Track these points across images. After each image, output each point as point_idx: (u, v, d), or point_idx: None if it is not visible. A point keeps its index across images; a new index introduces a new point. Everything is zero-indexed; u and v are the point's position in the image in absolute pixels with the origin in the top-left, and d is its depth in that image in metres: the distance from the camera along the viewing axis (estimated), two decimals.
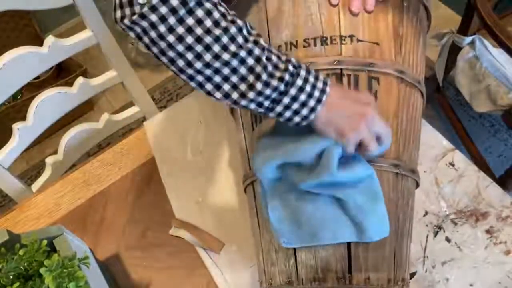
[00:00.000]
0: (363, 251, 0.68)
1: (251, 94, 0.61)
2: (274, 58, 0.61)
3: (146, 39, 0.58)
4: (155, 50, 0.59)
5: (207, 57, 0.58)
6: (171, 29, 0.56)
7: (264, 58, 0.60)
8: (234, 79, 0.60)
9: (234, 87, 0.61)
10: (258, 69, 0.59)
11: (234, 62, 0.59)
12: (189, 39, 0.56)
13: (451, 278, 0.79)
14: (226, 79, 0.60)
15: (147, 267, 0.86)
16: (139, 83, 1.20)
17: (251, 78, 0.60)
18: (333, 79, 0.71)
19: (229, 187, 0.93)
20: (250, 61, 0.59)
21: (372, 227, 0.67)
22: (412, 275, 0.80)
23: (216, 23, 0.57)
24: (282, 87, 0.61)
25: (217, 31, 0.57)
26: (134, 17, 0.55)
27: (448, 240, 0.83)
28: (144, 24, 0.56)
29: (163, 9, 0.54)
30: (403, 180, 0.73)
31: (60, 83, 1.83)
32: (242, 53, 0.59)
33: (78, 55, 1.09)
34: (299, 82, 0.62)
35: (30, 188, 1.12)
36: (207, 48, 0.57)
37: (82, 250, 0.73)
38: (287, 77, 0.61)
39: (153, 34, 0.56)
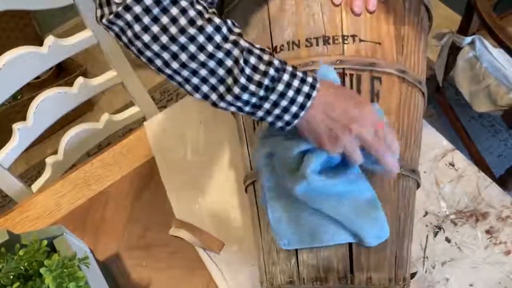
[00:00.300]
0: (365, 251, 0.68)
1: (229, 97, 0.59)
2: (254, 60, 0.59)
3: (124, 38, 0.58)
4: (133, 49, 0.58)
5: (183, 57, 0.57)
6: (146, 28, 0.55)
7: (241, 60, 0.58)
8: (213, 80, 0.59)
9: (213, 88, 0.59)
10: (236, 71, 0.58)
11: (211, 63, 0.58)
12: (164, 39, 0.56)
13: (451, 278, 0.79)
14: (204, 80, 0.59)
15: (147, 267, 0.86)
16: (139, 83, 1.20)
17: (229, 81, 0.58)
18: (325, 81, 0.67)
19: (229, 187, 0.93)
20: (229, 62, 0.58)
21: (369, 235, 0.66)
22: (413, 275, 0.80)
23: (192, 22, 0.56)
24: (261, 92, 0.59)
25: (192, 30, 0.56)
26: (111, 17, 0.55)
27: (448, 240, 0.83)
28: (120, 23, 0.56)
29: (137, 8, 0.54)
30: (404, 180, 0.73)
31: (60, 83, 1.83)
32: (219, 54, 0.57)
33: (78, 55, 1.09)
34: (280, 87, 0.59)
35: (30, 188, 1.12)
36: (183, 48, 0.57)
37: (82, 250, 0.73)
38: (266, 81, 0.59)
39: (129, 33, 0.56)
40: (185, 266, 0.85)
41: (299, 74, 0.61)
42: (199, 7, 0.57)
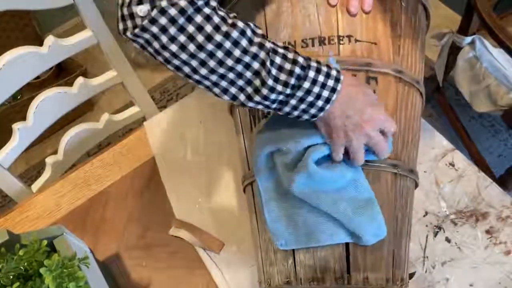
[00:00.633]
0: (362, 251, 0.68)
1: (257, 98, 0.60)
2: (279, 60, 0.60)
3: (150, 49, 0.58)
4: (160, 58, 0.59)
5: (211, 63, 0.58)
6: (173, 39, 0.56)
7: (268, 62, 0.59)
8: (241, 82, 0.60)
9: (241, 89, 0.60)
10: (263, 74, 0.59)
11: (239, 67, 0.58)
12: (191, 47, 0.56)
13: (451, 278, 0.80)
14: (232, 83, 0.60)
15: (147, 267, 0.86)
16: (139, 83, 1.20)
17: (257, 82, 0.59)
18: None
19: (229, 187, 0.93)
20: (256, 65, 0.59)
21: (367, 233, 0.66)
22: (411, 275, 0.80)
23: (217, 28, 0.56)
24: (288, 90, 0.60)
25: (219, 37, 0.56)
26: (136, 30, 0.55)
27: (448, 240, 0.83)
28: (146, 36, 0.56)
29: (163, 20, 0.54)
30: (402, 180, 0.73)
31: (60, 83, 1.83)
32: (246, 58, 0.58)
33: (78, 55, 1.09)
34: (307, 84, 0.61)
35: (30, 188, 1.12)
36: (211, 55, 0.57)
37: (82, 250, 0.73)
38: (293, 81, 0.60)
39: (156, 45, 0.56)
40: (185, 266, 0.85)
41: (324, 68, 0.62)
42: (221, 13, 0.57)
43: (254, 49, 0.58)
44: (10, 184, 1.06)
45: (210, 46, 0.56)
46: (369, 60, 0.72)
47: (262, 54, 0.59)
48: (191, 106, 1.05)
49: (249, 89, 0.60)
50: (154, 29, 0.55)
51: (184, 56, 0.57)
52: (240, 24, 0.58)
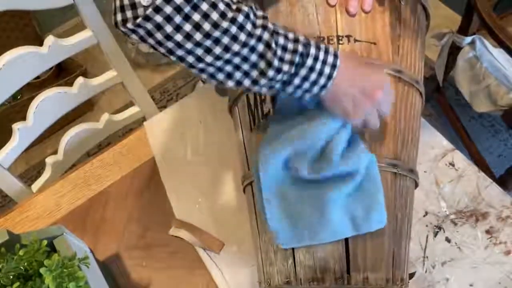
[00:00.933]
0: (361, 251, 0.68)
1: (262, 81, 0.60)
2: (282, 40, 0.59)
3: (151, 41, 0.56)
4: (162, 50, 0.57)
5: (217, 50, 0.56)
6: (178, 28, 0.54)
7: (273, 43, 0.58)
8: (246, 67, 0.59)
9: (246, 74, 0.60)
10: (269, 55, 0.58)
11: (245, 51, 0.57)
12: (198, 36, 0.55)
13: (451, 278, 0.80)
14: (237, 67, 0.59)
15: (147, 267, 0.86)
16: (139, 83, 1.20)
17: (262, 65, 0.59)
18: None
19: (229, 187, 0.93)
20: (260, 47, 0.58)
21: (372, 215, 0.67)
22: (411, 275, 0.80)
23: (223, 15, 0.55)
24: (293, 69, 0.60)
25: (225, 24, 0.55)
26: (138, 20, 0.53)
27: (448, 240, 0.83)
28: (149, 26, 0.54)
29: (168, 9, 0.52)
30: (402, 179, 0.73)
31: (60, 83, 1.83)
32: (252, 42, 0.57)
33: (78, 55, 1.09)
34: (309, 62, 0.61)
35: (30, 188, 1.12)
36: (216, 41, 0.56)
37: (82, 250, 0.73)
38: (297, 59, 0.60)
39: (158, 35, 0.54)
40: (185, 266, 0.85)
41: (322, 45, 0.62)
42: None
43: (258, 31, 0.58)
44: (10, 184, 1.06)
45: (216, 33, 0.55)
46: (369, 60, 0.72)
47: (266, 36, 0.58)
48: (191, 106, 1.05)
49: (254, 73, 0.59)
50: (158, 18, 0.53)
51: (189, 45, 0.55)
52: (244, 7, 0.57)
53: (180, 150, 0.99)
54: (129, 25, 0.54)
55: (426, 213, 0.86)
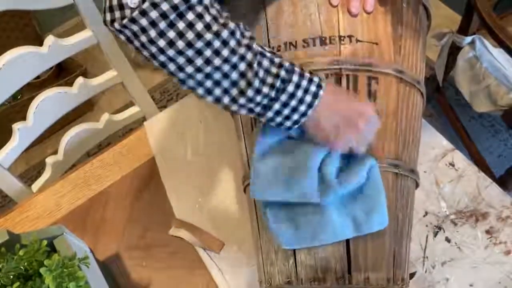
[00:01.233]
0: (362, 251, 0.68)
1: (242, 100, 0.61)
2: (266, 63, 0.60)
3: (136, 43, 0.57)
4: (146, 53, 0.58)
5: (199, 61, 0.57)
6: (162, 34, 0.55)
7: (255, 64, 0.59)
8: (226, 83, 0.60)
9: (225, 91, 0.60)
10: (250, 75, 0.59)
11: (226, 67, 0.58)
12: (180, 44, 0.55)
13: (451, 278, 0.79)
14: (217, 83, 0.60)
15: (147, 267, 0.86)
16: (139, 83, 1.20)
17: (242, 84, 0.59)
18: (331, 80, 0.71)
19: (229, 187, 0.93)
20: (242, 66, 0.59)
21: (374, 217, 0.67)
22: (411, 275, 0.80)
23: (208, 27, 0.56)
24: (273, 93, 0.61)
25: (208, 36, 0.56)
26: (124, 21, 0.54)
27: (448, 240, 0.83)
28: (135, 28, 0.55)
29: (154, 14, 0.53)
30: (403, 180, 0.73)
31: (60, 83, 1.83)
32: (234, 59, 0.58)
33: (78, 55, 1.09)
34: (291, 88, 0.61)
35: (30, 188, 1.12)
36: (199, 52, 0.56)
37: (82, 250, 0.73)
38: (278, 83, 0.60)
39: (143, 38, 0.55)
40: (185, 266, 0.85)
41: (307, 74, 0.63)
42: (213, 12, 0.57)
43: (242, 50, 0.58)
44: (10, 184, 1.06)
45: (199, 44, 0.56)
46: (370, 60, 0.72)
47: (249, 56, 0.59)
48: (191, 106, 1.05)
49: (234, 91, 0.60)
50: (144, 21, 0.54)
51: (171, 52, 0.56)
52: (231, 24, 0.58)
53: (180, 150, 0.99)
54: (116, 25, 0.55)
55: (426, 213, 0.86)
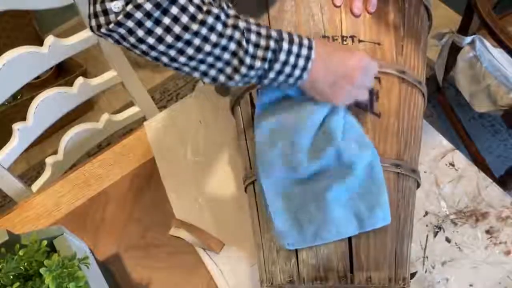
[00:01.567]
0: (365, 250, 0.68)
1: (237, 77, 0.62)
2: (254, 37, 0.61)
3: (126, 44, 0.58)
4: (137, 51, 0.59)
5: (189, 51, 0.58)
6: (149, 32, 0.56)
7: (244, 42, 0.60)
8: (219, 65, 0.61)
9: (220, 71, 0.62)
10: (241, 53, 0.60)
11: (217, 51, 0.59)
12: (169, 38, 0.57)
13: (451, 278, 0.79)
14: (211, 66, 0.61)
15: (147, 267, 0.86)
16: (139, 83, 1.20)
17: (235, 62, 0.61)
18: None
19: (229, 187, 0.93)
20: (232, 46, 0.60)
21: (377, 212, 0.67)
22: (412, 275, 0.80)
23: (193, 18, 0.57)
24: (266, 65, 0.62)
25: (195, 26, 0.57)
26: (111, 26, 0.55)
27: (448, 240, 0.83)
28: (122, 31, 0.56)
29: (138, 15, 0.54)
30: (404, 180, 0.73)
31: (60, 83, 1.83)
32: (223, 41, 0.59)
33: (78, 55, 1.09)
34: (282, 56, 0.62)
35: (30, 188, 1.12)
36: (188, 43, 0.58)
37: (82, 250, 0.73)
38: (269, 55, 0.62)
39: (132, 39, 0.56)
40: (185, 266, 0.85)
41: (296, 39, 0.64)
42: (196, 1, 0.57)
43: (229, 31, 0.59)
44: (10, 184, 1.06)
45: (187, 36, 0.57)
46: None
47: (237, 35, 0.60)
48: (191, 106, 1.05)
49: (228, 70, 0.62)
50: (130, 23, 0.55)
51: (161, 47, 0.57)
52: (215, 9, 0.58)
53: (180, 150, 0.99)
54: (103, 30, 0.56)
55: (426, 213, 0.86)
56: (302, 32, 0.73)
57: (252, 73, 0.62)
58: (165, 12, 0.55)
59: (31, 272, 0.62)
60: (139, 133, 1.03)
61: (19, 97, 1.90)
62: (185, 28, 0.56)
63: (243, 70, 0.61)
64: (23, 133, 1.03)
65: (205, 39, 0.58)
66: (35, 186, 1.14)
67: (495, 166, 1.59)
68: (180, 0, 0.56)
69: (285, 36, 0.63)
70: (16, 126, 1.02)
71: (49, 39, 0.97)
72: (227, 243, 0.87)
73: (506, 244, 0.82)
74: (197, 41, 0.58)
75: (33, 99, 1.03)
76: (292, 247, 0.69)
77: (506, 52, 1.21)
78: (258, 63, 0.62)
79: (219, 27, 0.58)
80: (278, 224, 0.70)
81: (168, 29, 0.56)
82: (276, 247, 0.71)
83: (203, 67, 0.61)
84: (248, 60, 0.61)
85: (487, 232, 0.83)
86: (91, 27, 0.57)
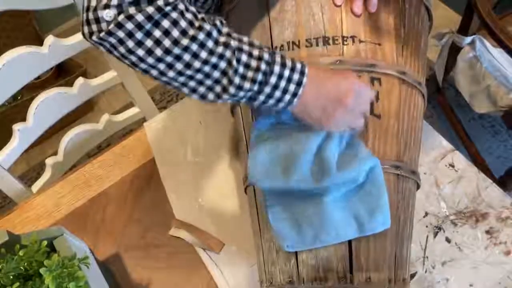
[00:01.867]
0: (364, 251, 0.68)
1: (226, 96, 0.61)
2: (245, 58, 0.60)
3: (116, 53, 0.58)
4: (127, 62, 0.59)
5: (179, 66, 0.58)
6: (139, 43, 0.56)
7: (234, 61, 0.59)
8: (209, 82, 0.61)
9: (210, 89, 0.61)
10: (230, 73, 0.59)
11: (206, 68, 0.59)
12: (158, 51, 0.56)
13: (451, 279, 0.79)
14: (200, 83, 0.61)
15: (147, 267, 0.86)
16: (139, 84, 1.20)
17: (225, 81, 0.60)
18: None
19: (229, 188, 0.93)
20: (223, 65, 0.59)
21: (377, 217, 0.67)
22: (412, 276, 0.80)
23: (184, 32, 0.56)
24: (255, 87, 0.61)
25: (185, 41, 0.56)
26: (102, 34, 0.55)
27: (448, 240, 0.83)
28: (112, 40, 0.56)
29: (129, 25, 0.54)
30: (404, 181, 0.73)
31: (60, 84, 1.83)
32: (213, 59, 0.59)
33: (78, 55, 1.09)
34: (273, 80, 0.61)
35: (30, 189, 1.12)
36: (177, 58, 0.57)
37: (82, 251, 0.73)
38: (259, 77, 0.61)
39: (122, 49, 0.56)
40: (185, 266, 0.85)
41: (288, 63, 0.63)
42: (189, 16, 0.57)
43: (220, 49, 0.59)
44: (10, 185, 1.06)
45: (177, 50, 0.57)
46: (373, 61, 0.72)
47: (228, 53, 0.59)
48: (191, 106, 1.05)
49: (218, 88, 0.61)
50: (121, 33, 0.55)
51: (151, 60, 0.57)
52: (207, 26, 0.58)
53: (180, 150, 0.99)
54: (94, 38, 0.56)
55: (426, 213, 0.86)
56: (302, 32, 0.73)
57: (241, 93, 0.61)
58: (157, 24, 0.55)
59: (31, 272, 0.62)
60: (139, 134, 1.03)
61: (19, 97, 1.90)
62: (175, 42, 0.56)
63: (232, 90, 0.60)
64: (23, 134, 1.03)
65: (195, 55, 0.58)
66: (35, 187, 1.14)
67: (495, 167, 1.59)
68: (173, 14, 0.55)
69: (278, 59, 0.62)
70: (16, 127, 1.02)
71: (49, 39, 0.97)
72: (227, 243, 0.87)
73: (506, 244, 0.82)
74: (186, 57, 0.57)
75: (33, 99, 1.03)
76: (292, 249, 0.69)
77: (506, 52, 1.21)
78: (247, 85, 0.61)
79: (210, 44, 0.58)
80: (277, 226, 0.70)
81: (158, 42, 0.56)
82: (275, 247, 0.71)
83: (192, 84, 0.61)
84: (237, 80, 0.60)
85: (487, 232, 0.83)
86: (83, 34, 0.57)
